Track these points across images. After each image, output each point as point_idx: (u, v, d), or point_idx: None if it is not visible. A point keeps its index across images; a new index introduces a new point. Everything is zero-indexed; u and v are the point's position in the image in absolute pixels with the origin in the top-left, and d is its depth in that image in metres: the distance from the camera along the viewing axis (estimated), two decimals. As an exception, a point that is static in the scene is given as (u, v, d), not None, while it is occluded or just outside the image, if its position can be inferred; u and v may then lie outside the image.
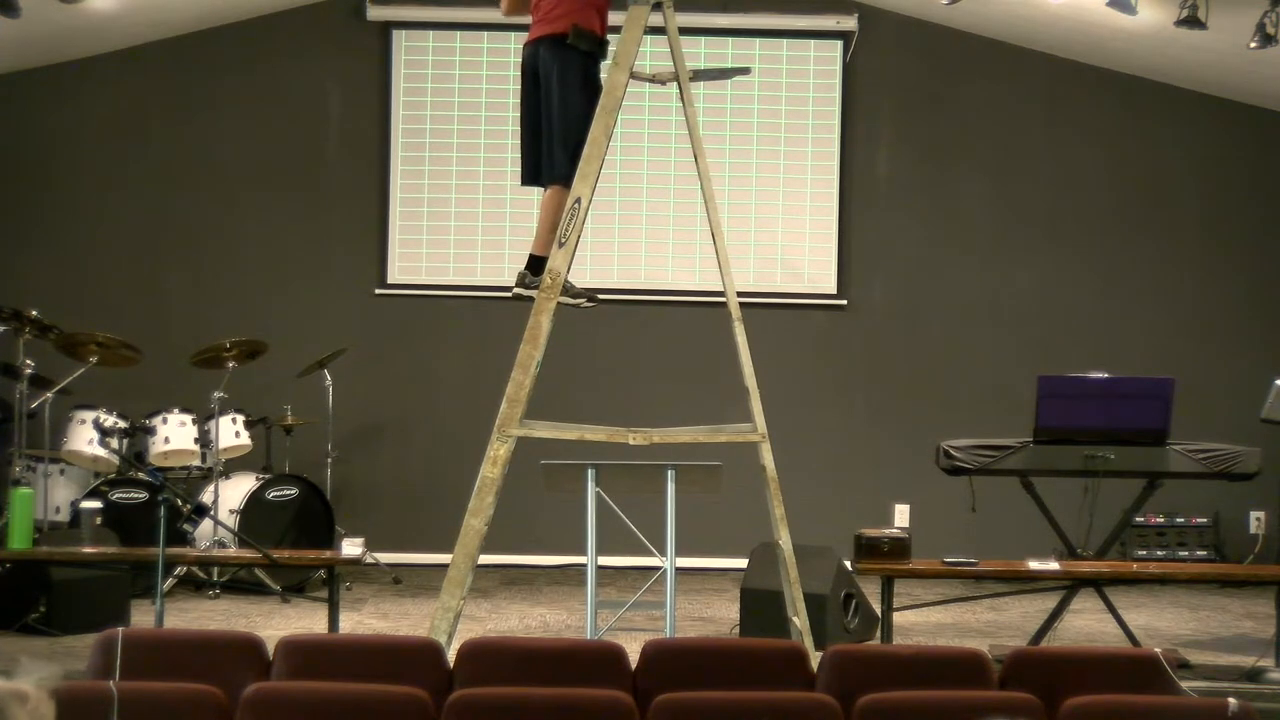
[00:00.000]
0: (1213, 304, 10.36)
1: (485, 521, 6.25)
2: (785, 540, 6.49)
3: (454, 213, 10.25)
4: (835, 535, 8.37)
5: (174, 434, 8.85)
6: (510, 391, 6.32)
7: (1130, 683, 4.67)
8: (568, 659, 4.88)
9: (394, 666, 4.67)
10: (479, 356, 10.04)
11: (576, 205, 6.35)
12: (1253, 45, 8.05)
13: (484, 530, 6.26)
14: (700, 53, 10.08)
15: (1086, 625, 8.13)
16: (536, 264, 6.62)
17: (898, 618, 7.36)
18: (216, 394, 8.76)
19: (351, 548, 7.17)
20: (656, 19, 6.56)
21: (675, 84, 6.60)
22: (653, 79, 6.72)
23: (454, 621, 6.17)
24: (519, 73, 6.57)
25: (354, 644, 5.32)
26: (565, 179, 6.53)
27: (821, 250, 10.35)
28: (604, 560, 7.24)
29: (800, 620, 6.37)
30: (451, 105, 10.27)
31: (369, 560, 8.75)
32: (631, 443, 6.41)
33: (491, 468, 6.25)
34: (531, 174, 6.76)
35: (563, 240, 6.33)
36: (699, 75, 7.00)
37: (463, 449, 9.13)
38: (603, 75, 6.62)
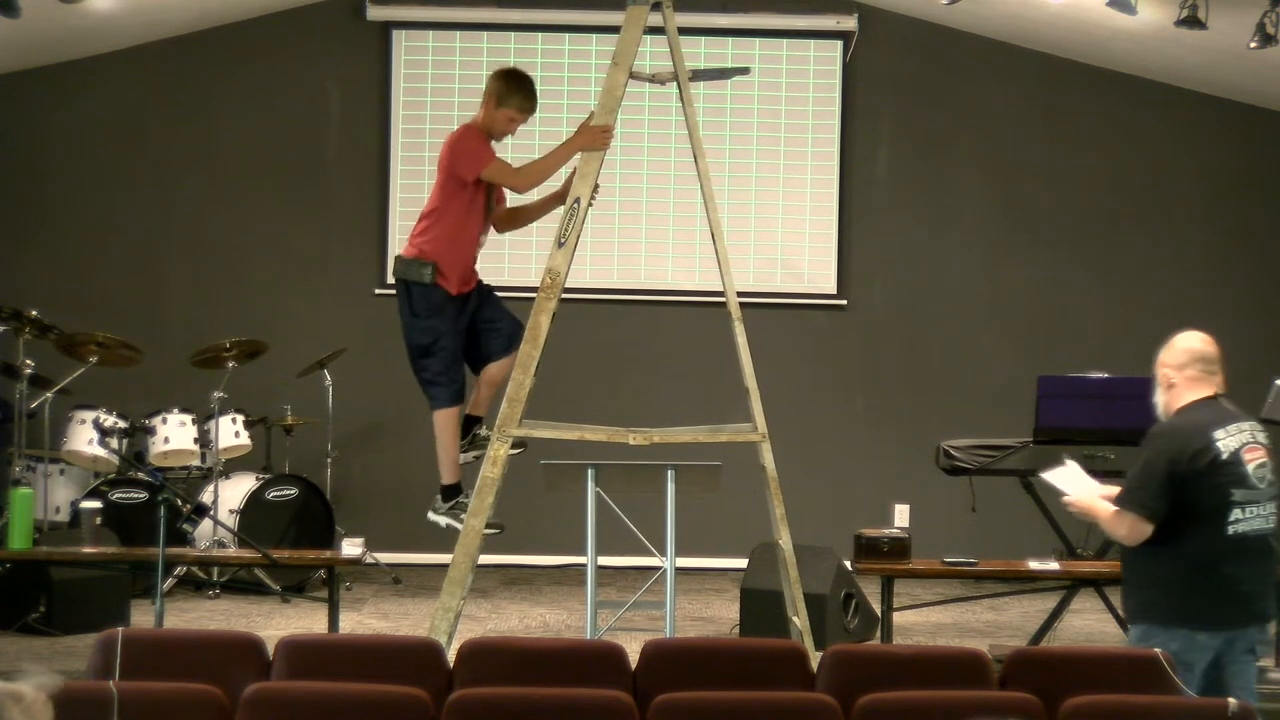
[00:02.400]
0: (1213, 304, 10.34)
1: (485, 521, 6.26)
2: (785, 540, 6.49)
3: (454, 213, 10.23)
4: (835, 535, 8.37)
5: (174, 434, 8.85)
6: (510, 391, 6.32)
7: (1130, 683, 4.66)
8: (568, 659, 4.88)
9: (394, 666, 4.67)
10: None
11: (576, 205, 6.35)
12: (1253, 45, 8.05)
13: (484, 530, 6.27)
14: (700, 53, 10.07)
15: (1086, 625, 8.14)
16: (449, 490, 6.67)
17: (898, 618, 7.36)
18: (216, 394, 8.77)
19: (351, 548, 7.17)
20: (656, 19, 6.55)
21: (675, 84, 6.59)
22: (652, 79, 6.72)
23: (454, 621, 6.18)
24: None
25: (354, 644, 5.32)
26: (439, 404, 6.50)
27: (821, 250, 10.34)
28: (604, 560, 7.24)
29: (800, 620, 6.37)
30: (451, 105, 10.25)
31: (369, 560, 8.75)
32: (632, 443, 6.41)
33: (491, 467, 6.26)
34: None
35: (562, 240, 6.33)
36: (699, 75, 7.00)
37: (463, 449, 9.12)
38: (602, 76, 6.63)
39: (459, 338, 6.57)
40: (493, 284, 10.50)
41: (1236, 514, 4.78)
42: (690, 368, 10.09)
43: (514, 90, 6.51)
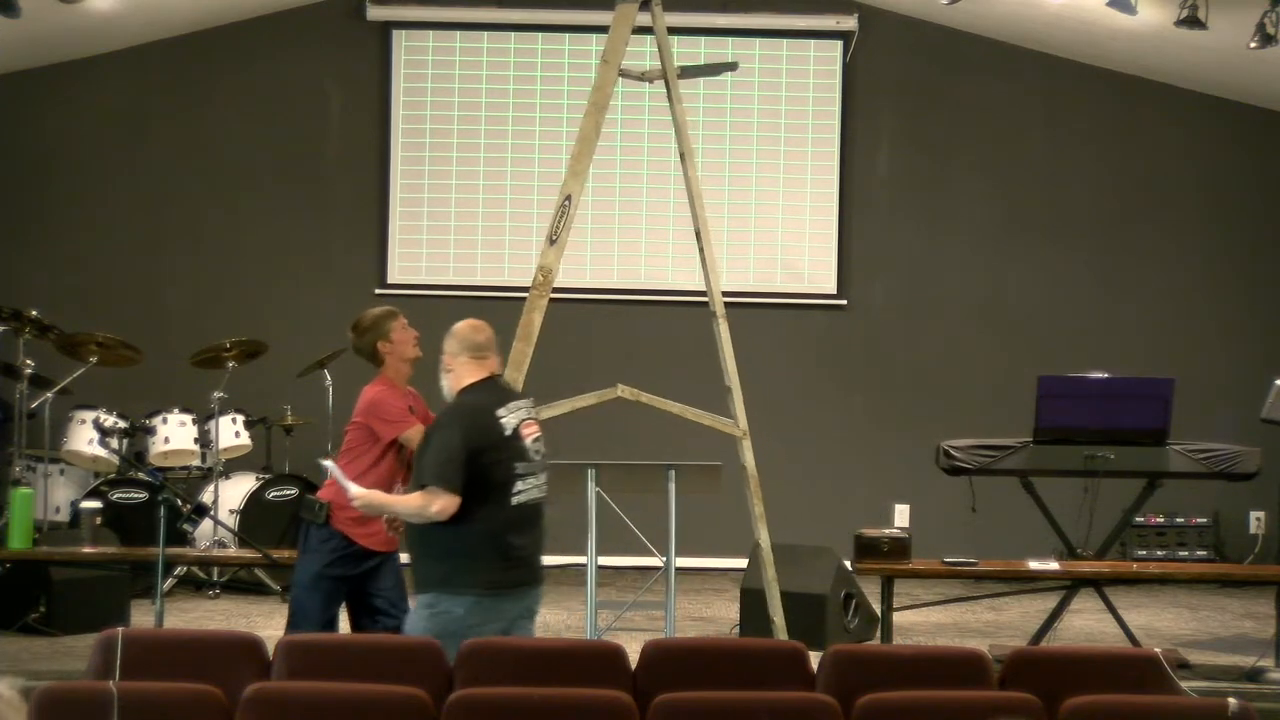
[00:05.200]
0: (1213, 304, 10.35)
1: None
2: (764, 539, 6.50)
3: (454, 213, 10.24)
4: (835, 535, 8.36)
5: (174, 434, 8.84)
6: None
7: (1130, 683, 4.67)
8: (568, 659, 4.88)
9: (394, 666, 4.67)
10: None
11: (567, 203, 6.36)
12: (1253, 45, 8.06)
13: None
14: (700, 52, 10.09)
15: (1086, 625, 8.13)
16: None
17: (898, 618, 7.36)
18: (216, 394, 8.76)
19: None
20: (647, 19, 6.56)
21: (664, 83, 6.61)
22: (642, 77, 6.73)
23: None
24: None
25: (354, 644, 5.32)
26: None
27: (821, 250, 10.34)
28: (604, 560, 7.24)
29: (778, 620, 6.37)
30: (451, 105, 10.26)
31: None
32: (621, 395, 6.45)
33: None
34: None
35: (554, 238, 6.34)
36: (687, 72, 7.01)
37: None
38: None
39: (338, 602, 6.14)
40: (493, 284, 10.49)
41: (519, 485, 5.25)
42: (690, 368, 10.05)
43: (381, 319, 6.11)
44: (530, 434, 5.30)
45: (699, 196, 6.57)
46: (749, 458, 6.51)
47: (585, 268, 9.99)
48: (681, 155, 6.53)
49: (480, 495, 5.15)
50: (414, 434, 6.01)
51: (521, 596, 5.36)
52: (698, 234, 6.61)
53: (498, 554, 5.22)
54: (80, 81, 10.15)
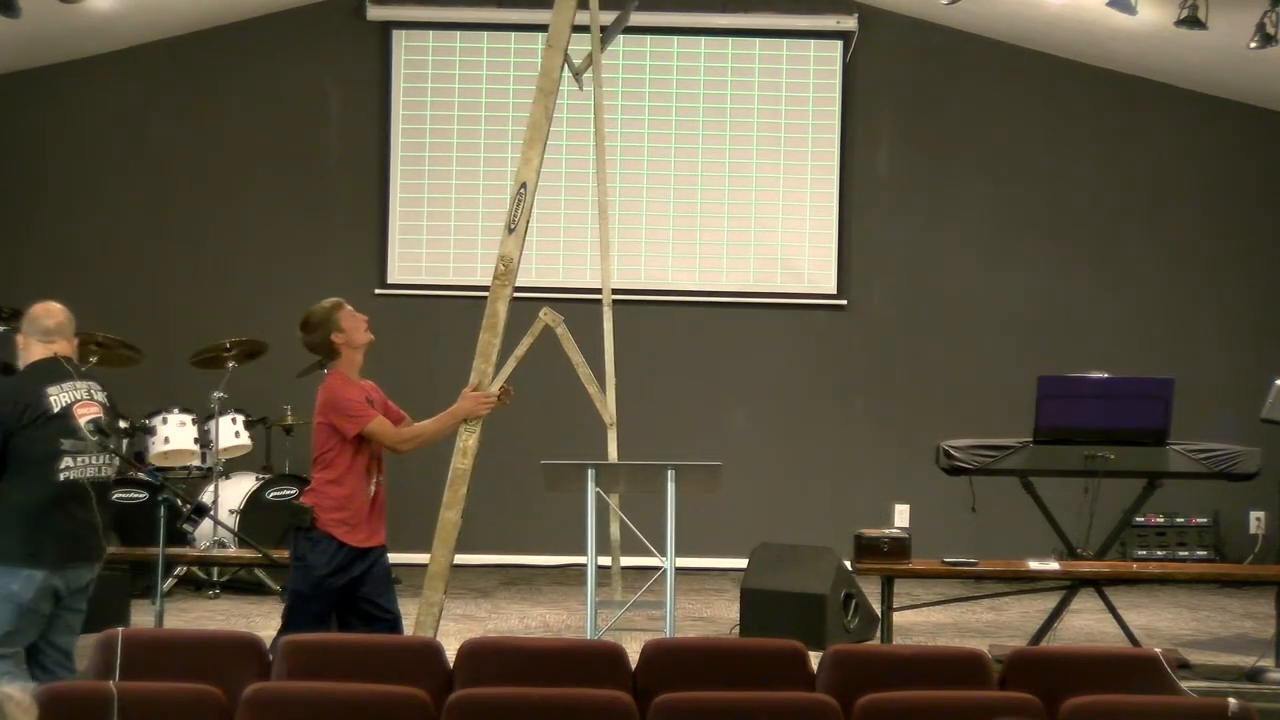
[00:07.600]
0: (1213, 304, 10.35)
1: (460, 513, 6.30)
2: (615, 533, 6.55)
3: (454, 213, 10.25)
4: (835, 535, 8.37)
5: (174, 434, 8.84)
6: (474, 380, 6.38)
7: (1130, 683, 4.67)
8: (568, 659, 4.88)
9: (394, 666, 4.67)
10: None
11: (523, 190, 6.39)
12: (1253, 45, 8.06)
13: (459, 522, 6.30)
14: (700, 52, 10.12)
15: (1086, 625, 8.13)
16: None
17: (898, 618, 7.36)
18: (216, 394, 8.76)
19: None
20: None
21: (608, 71, 6.70)
22: (577, 73, 6.81)
23: (439, 616, 6.21)
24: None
25: (354, 644, 5.32)
26: None
27: (821, 250, 10.34)
28: (604, 560, 7.24)
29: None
30: (451, 105, 10.27)
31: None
32: (546, 322, 6.64)
33: (462, 459, 6.31)
34: None
35: (512, 226, 6.36)
36: (608, 39, 7.07)
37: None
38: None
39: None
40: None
41: (67, 462, 5.38)
42: (690, 368, 10.08)
43: (330, 312, 6.10)
44: (85, 414, 5.43)
45: (604, 181, 6.63)
46: (613, 449, 6.61)
47: (585, 268, 9.99)
48: (595, 139, 6.60)
49: (22, 469, 5.32)
50: (377, 426, 5.96)
51: (76, 572, 5.46)
52: (600, 220, 6.69)
53: (43, 529, 5.33)
54: (80, 81, 10.15)
